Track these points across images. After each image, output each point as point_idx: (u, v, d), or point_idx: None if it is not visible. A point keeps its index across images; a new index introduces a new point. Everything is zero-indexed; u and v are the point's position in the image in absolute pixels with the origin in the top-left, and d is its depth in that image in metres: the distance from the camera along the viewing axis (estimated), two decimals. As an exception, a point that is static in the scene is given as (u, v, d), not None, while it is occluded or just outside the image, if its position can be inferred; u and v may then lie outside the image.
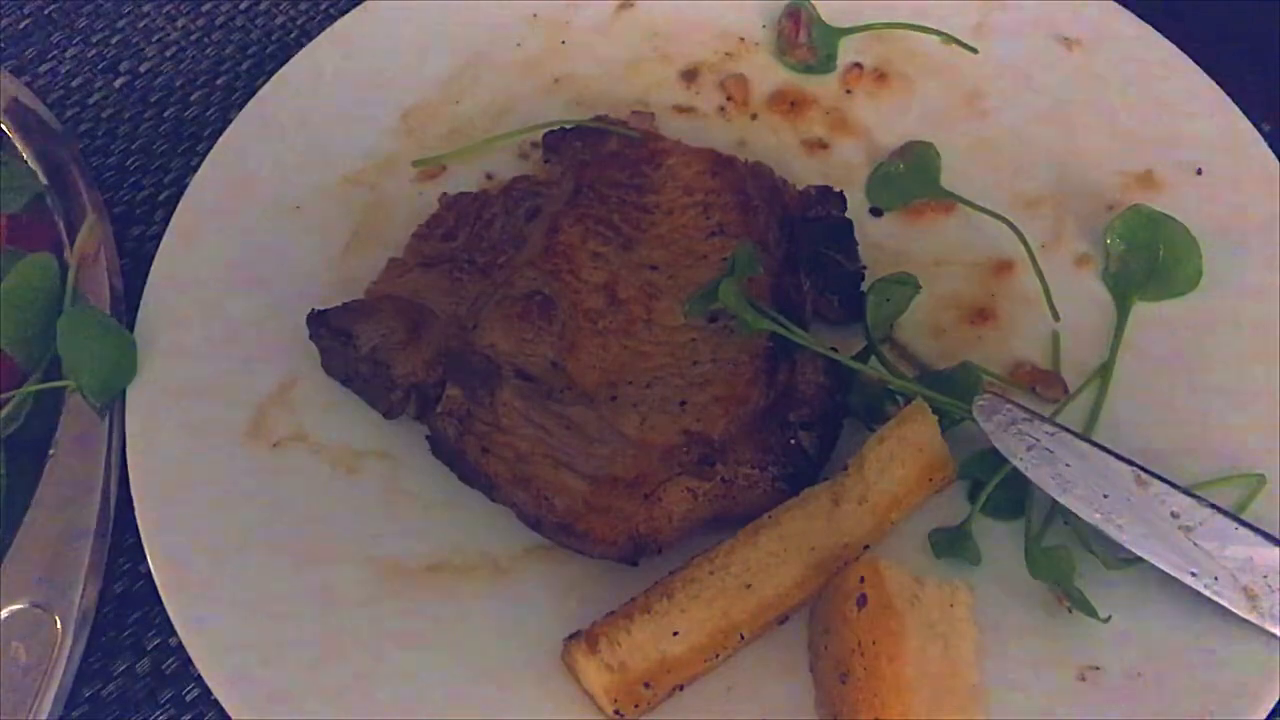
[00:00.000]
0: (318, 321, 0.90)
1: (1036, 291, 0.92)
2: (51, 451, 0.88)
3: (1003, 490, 0.83)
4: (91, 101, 1.13)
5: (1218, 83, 1.01)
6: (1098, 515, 0.79)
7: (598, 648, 0.75)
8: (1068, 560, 0.80)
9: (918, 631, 0.73)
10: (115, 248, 0.98)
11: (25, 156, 1.02)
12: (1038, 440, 0.81)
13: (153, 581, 0.82)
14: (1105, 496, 0.79)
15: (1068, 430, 0.82)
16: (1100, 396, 0.88)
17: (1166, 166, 0.98)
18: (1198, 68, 1.02)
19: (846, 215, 0.95)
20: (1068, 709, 0.77)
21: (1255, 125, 0.99)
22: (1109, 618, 0.78)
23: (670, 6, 1.09)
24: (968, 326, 0.93)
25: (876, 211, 0.99)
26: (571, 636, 0.77)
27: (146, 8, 1.20)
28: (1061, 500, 0.80)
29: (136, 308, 0.94)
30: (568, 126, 1.01)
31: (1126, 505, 0.79)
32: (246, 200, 0.99)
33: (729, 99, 1.06)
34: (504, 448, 0.83)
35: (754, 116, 1.05)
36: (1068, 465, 0.80)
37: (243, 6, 1.19)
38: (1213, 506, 0.79)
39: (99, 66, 1.16)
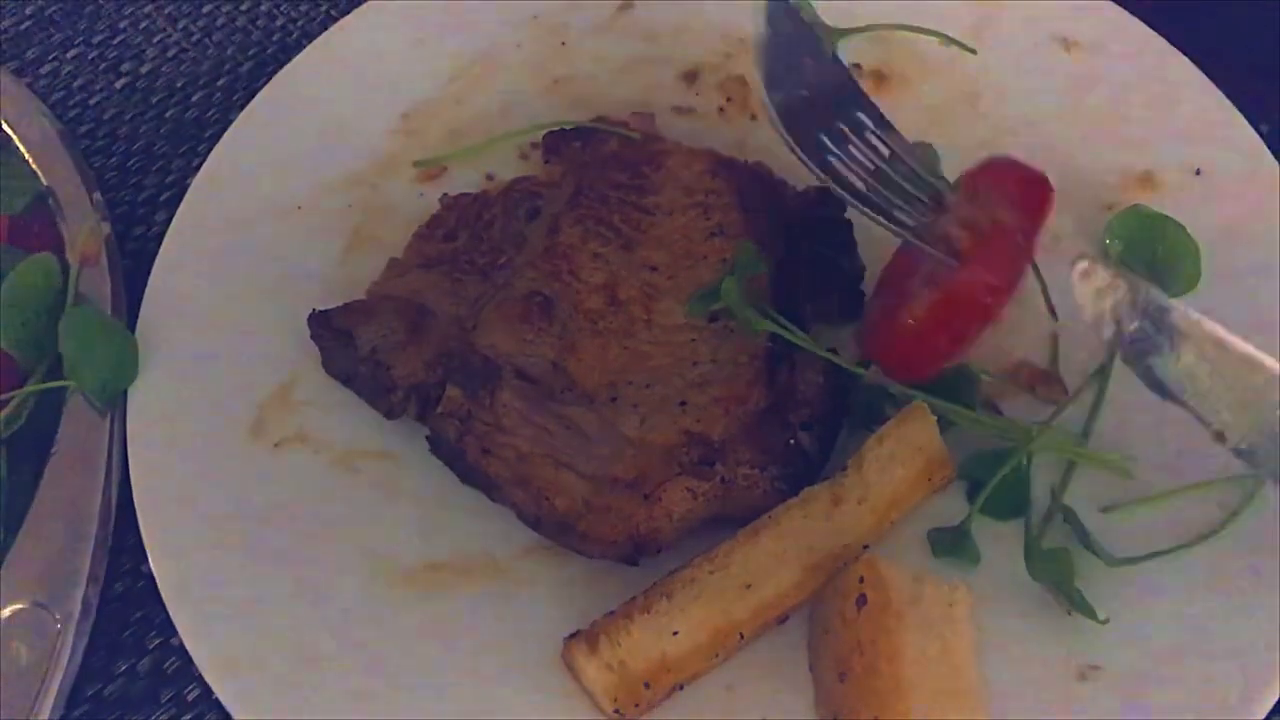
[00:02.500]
0: (318, 322, 0.90)
1: (1036, 291, 0.92)
2: (53, 452, 0.88)
3: (1002, 490, 0.83)
4: (93, 102, 1.13)
5: (1216, 84, 1.01)
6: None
7: (597, 647, 0.76)
8: (1067, 561, 0.80)
9: (917, 631, 0.73)
10: (116, 248, 0.98)
11: (26, 157, 1.02)
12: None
13: (154, 581, 0.82)
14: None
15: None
16: (1100, 397, 0.88)
17: (1165, 167, 0.98)
18: (1196, 69, 1.02)
19: (846, 216, 0.95)
20: (1067, 709, 0.77)
21: (1254, 126, 0.99)
22: (1107, 619, 0.78)
23: (670, 7, 1.10)
24: (967, 327, 0.93)
25: (876, 212, 0.99)
26: (571, 636, 0.77)
27: (147, 9, 1.20)
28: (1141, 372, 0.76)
29: (138, 308, 0.94)
30: (568, 127, 1.01)
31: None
32: (247, 201, 0.99)
33: (729, 100, 1.06)
34: (504, 448, 0.83)
35: (754, 117, 1.05)
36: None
37: (243, 8, 1.20)
38: None
39: (100, 68, 1.16)
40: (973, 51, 1.05)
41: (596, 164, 0.97)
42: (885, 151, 0.83)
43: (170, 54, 1.16)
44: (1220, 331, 0.75)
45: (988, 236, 0.83)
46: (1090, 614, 0.78)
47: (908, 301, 0.84)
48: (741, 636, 0.78)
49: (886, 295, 0.89)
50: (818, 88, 0.79)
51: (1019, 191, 0.87)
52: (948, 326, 0.84)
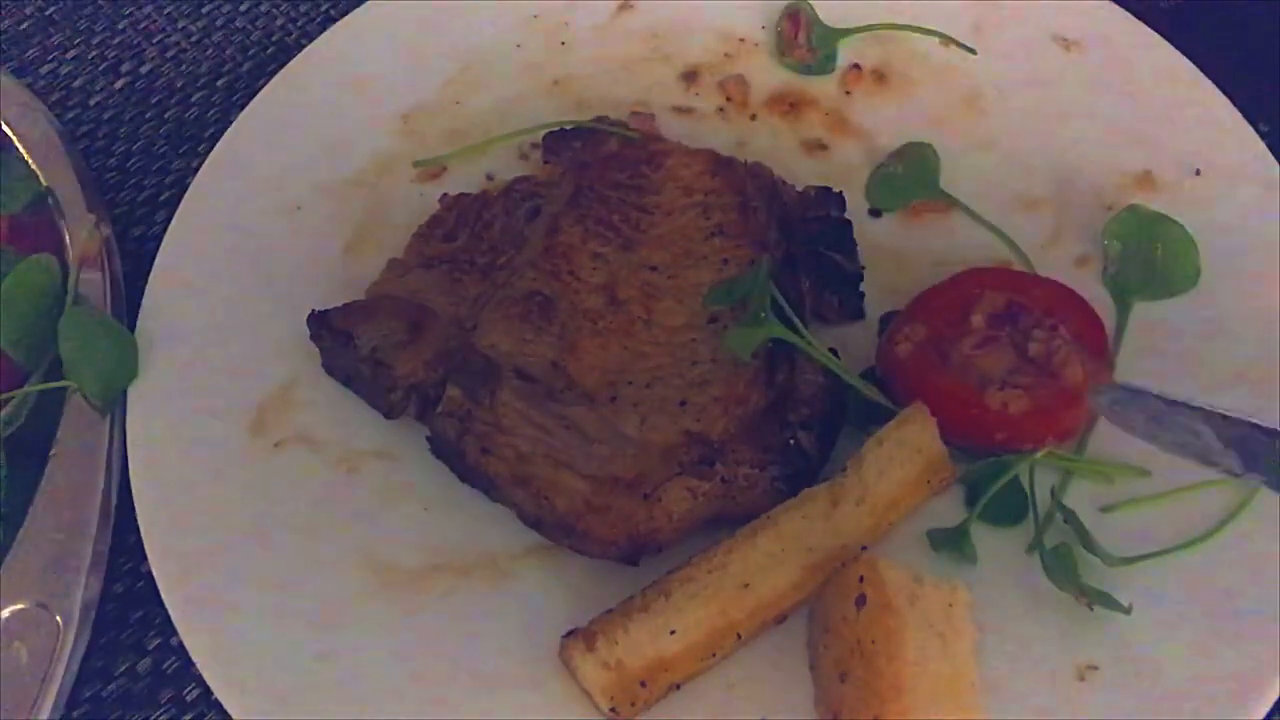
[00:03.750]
0: (318, 322, 0.90)
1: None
2: (53, 452, 0.88)
3: (1002, 498, 0.83)
4: (92, 103, 1.13)
5: (1215, 83, 1.01)
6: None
7: (595, 645, 0.76)
8: (1071, 558, 0.80)
9: (917, 631, 0.73)
10: (116, 248, 0.98)
11: (26, 157, 1.02)
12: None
13: (154, 581, 0.83)
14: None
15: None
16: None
17: (1165, 167, 0.98)
18: (1195, 68, 1.02)
19: (846, 216, 0.95)
20: (1067, 709, 0.77)
21: (1253, 126, 0.99)
22: (1130, 608, 0.77)
23: (670, 7, 1.10)
24: (967, 327, 0.93)
25: (875, 212, 0.99)
26: (569, 634, 0.77)
27: (147, 9, 1.20)
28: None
29: (137, 308, 0.94)
30: (568, 127, 1.01)
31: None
32: (247, 201, 0.99)
33: (728, 100, 1.06)
34: (504, 448, 0.83)
35: (753, 117, 1.05)
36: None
37: (243, 8, 1.20)
38: None
39: (100, 68, 1.16)
40: (973, 51, 1.05)
41: (596, 164, 0.97)
42: None
43: (170, 54, 1.16)
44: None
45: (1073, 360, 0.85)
46: (1115, 606, 0.78)
47: (990, 386, 0.85)
48: (739, 636, 0.78)
49: (938, 346, 0.87)
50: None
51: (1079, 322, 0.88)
52: (1029, 435, 0.84)
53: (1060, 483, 0.85)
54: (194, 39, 1.17)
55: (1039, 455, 0.83)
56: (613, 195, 0.94)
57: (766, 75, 1.07)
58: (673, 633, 0.76)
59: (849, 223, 0.95)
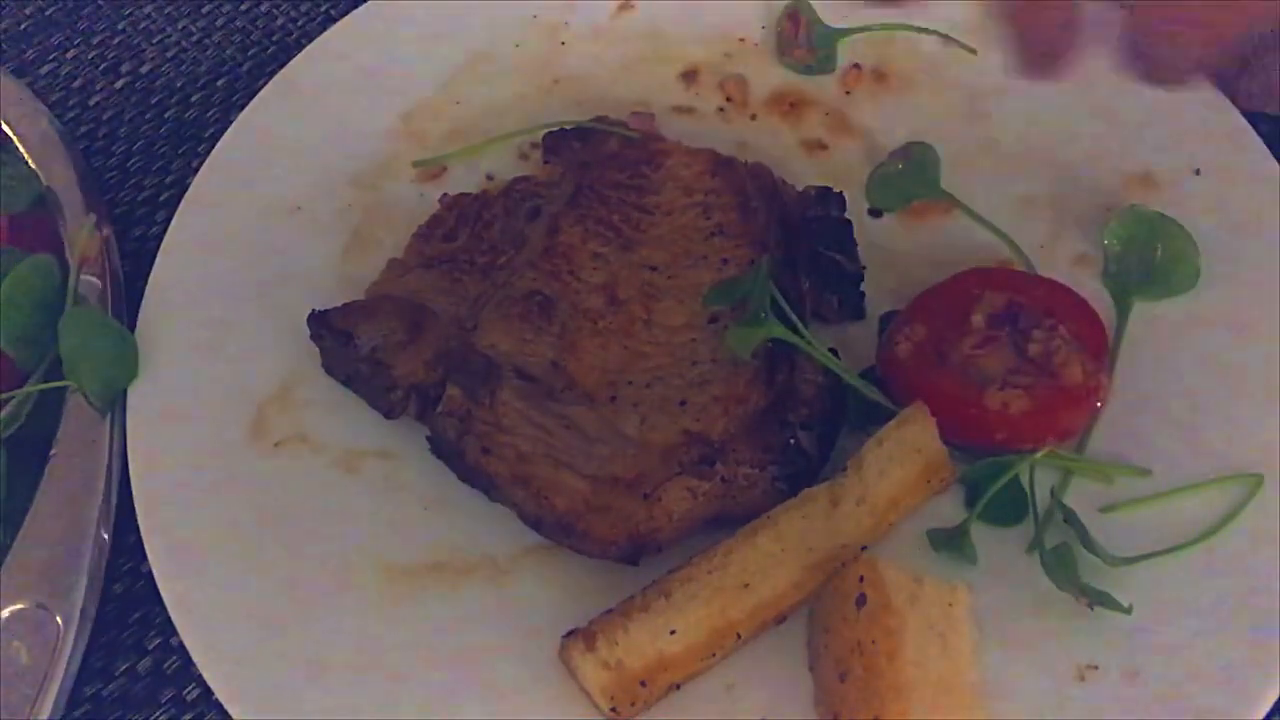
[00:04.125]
0: (318, 322, 0.90)
1: (1035, 293, 0.92)
2: (52, 452, 0.88)
3: (1002, 498, 0.83)
4: (92, 103, 1.13)
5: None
6: None
7: (595, 645, 0.75)
8: (1071, 558, 0.80)
9: (917, 631, 0.73)
10: (116, 248, 0.98)
11: (26, 157, 1.02)
12: None
13: (154, 581, 0.83)
14: None
15: None
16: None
17: (1165, 167, 0.98)
18: (1196, 68, 1.02)
19: (846, 216, 0.95)
20: (1067, 709, 0.77)
21: (1253, 126, 0.99)
22: (1130, 608, 0.77)
23: (670, 7, 1.09)
24: (967, 327, 0.93)
25: (875, 212, 0.99)
26: (569, 634, 0.77)
27: (147, 9, 1.20)
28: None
29: (137, 308, 0.94)
30: (568, 127, 1.01)
31: None
32: (247, 201, 0.99)
33: (728, 100, 1.06)
34: (504, 448, 0.83)
35: (753, 117, 1.05)
36: None
37: (243, 8, 1.20)
38: None
39: (100, 68, 1.16)
40: (973, 51, 1.05)
41: (596, 164, 0.97)
42: None
43: (170, 54, 1.16)
44: None
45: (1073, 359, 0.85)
46: (1116, 606, 0.77)
47: (990, 386, 0.84)
48: (739, 636, 0.78)
49: (938, 346, 0.87)
50: None
51: (1079, 322, 0.88)
52: (1029, 435, 0.84)
53: (1060, 483, 0.85)
54: (194, 39, 1.17)
55: (1039, 455, 0.83)
56: (613, 195, 0.94)
57: (766, 75, 1.07)
58: (673, 633, 0.76)
59: (849, 223, 0.95)
